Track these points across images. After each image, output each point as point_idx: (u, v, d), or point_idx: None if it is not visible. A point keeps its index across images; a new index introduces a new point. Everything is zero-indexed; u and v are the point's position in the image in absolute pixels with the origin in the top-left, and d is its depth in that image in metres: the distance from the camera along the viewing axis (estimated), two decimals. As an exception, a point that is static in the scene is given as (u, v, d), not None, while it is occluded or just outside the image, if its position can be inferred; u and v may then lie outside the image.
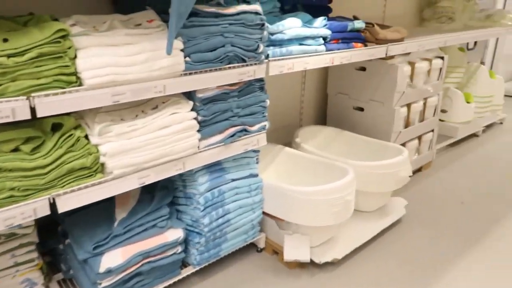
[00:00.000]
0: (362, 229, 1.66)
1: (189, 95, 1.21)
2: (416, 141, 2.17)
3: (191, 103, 1.18)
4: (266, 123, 1.38)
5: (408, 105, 2.04)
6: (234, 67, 1.22)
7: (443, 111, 2.71)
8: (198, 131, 1.20)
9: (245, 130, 1.32)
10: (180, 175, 1.30)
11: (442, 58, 2.19)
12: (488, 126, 3.09)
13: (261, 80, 1.34)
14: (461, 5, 2.74)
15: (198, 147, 1.21)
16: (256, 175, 1.45)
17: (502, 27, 2.79)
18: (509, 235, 1.73)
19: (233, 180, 1.37)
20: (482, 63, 4.08)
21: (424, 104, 2.15)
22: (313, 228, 1.46)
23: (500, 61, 4.35)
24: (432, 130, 2.28)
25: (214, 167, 1.32)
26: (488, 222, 1.84)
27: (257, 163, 1.46)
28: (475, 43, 3.70)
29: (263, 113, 1.37)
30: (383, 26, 1.85)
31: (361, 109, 2.08)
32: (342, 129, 2.04)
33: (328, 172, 1.64)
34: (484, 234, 1.75)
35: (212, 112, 1.23)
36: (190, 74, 1.13)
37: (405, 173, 1.66)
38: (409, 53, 2.03)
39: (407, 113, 2.04)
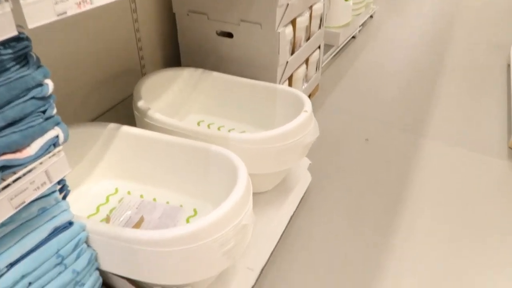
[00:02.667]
0: (263, 229, 1.12)
1: None
2: (304, 66, 1.63)
3: None
4: (59, 131, 0.64)
5: (293, 22, 1.43)
6: None
7: (320, 13, 2.19)
8: None
9: (4, 166, 0.57)
10: None
11: None
12: (363, 24, 2.73)
13: (16, 40, 0.56)
14: None
15: None
16: (68, 224, 0.74)
17: None
18: (432, 174, 1.42)
19: (13, 265, 0.65)
20: None
21: (310, 15, 1.56)
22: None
23: None
24: (319, 46, 1.76)
25: (-50, 266, 0.58)
26: (404, 161, 1.49)
27: (64, 198, 0.75)
28: None
29: (44, 111, 0.62)
30: None
31: (230, 35, 1.40)
32: (205, 70, 1.36)
33: (203, 169, 1.01)
34: (406, 180, 1.39)
35: None
36: None
37: (311, 136, 1.13)
38: None
39: (293, 33, 1.44)
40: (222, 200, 0.83)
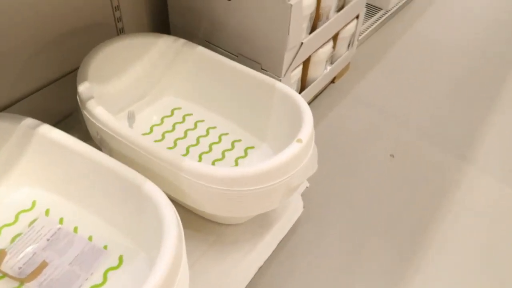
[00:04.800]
0: (220, 283, 0.84)
1: None
2: (329, 44, 1.23)
3: None
4: None
5: (319, -14, 1.02)
6: None
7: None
8: None
9: None
10: None
11: None
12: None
13: None
14: None
15: None
16: None
17: None
18: (469, 222, 1.07)
19: None
20: None
21: (349, -25, 1.13)
22: None
23: None
24: (357, 16, 1.33)
25: None
26: (435, 194, 1.13)
27: None
28: None
29: None
30: None
31: (227, -4, 1.02)
32: (188, 41, 1.01)
33: (133, 205, 0.72)
34: (432, 224, 1.05)
35: None
36: None
37: (303, 175, 0.79)
38: None
39: (317, 3, 1.04)
40: (154, 249, 0.58)
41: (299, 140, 0.75)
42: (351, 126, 1.32)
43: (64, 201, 0.82)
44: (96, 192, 0.77)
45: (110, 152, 0.86)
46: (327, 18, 1.13)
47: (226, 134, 1.00)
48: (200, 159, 0.94)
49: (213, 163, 0.93)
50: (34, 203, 0.82)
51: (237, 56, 1.08)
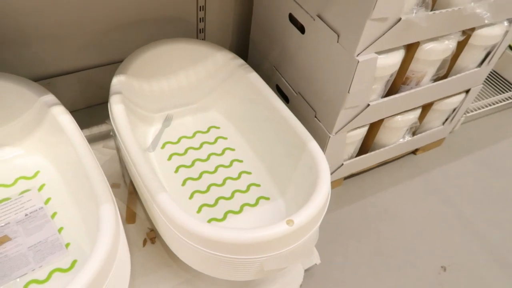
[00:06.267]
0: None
1: None
2: (415, 112, 1.03)
3: None
4: None
5: (412, 46, 0.84)
6: None
7: None
8: None
9: None
10: None
11: None
12: None
13: None
14: None
15: None
16: None
17: None
18: None
19: None
20: None
21: (463, 42, 0.92)
22: None
23: None
24: (468, 91, 1.09)
25: None
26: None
27: None
28: None
29: None
30: None
31: (302, 30, 0.90)
32: (245, 64, 0.93)
33: (91, 216, 0.68)
34: None
35: None
36: None
37: (284, 261, 0.66)
38: None
39: (402, 64, 0.86)
40: None
41: (290, 222, 0.62)
42: (407, 213, 1.10)
43: (60, 183, 0.82)
44: (82, 190, 0.75)
45: (117, 149, 0.84)
46: (417, 84, 0.94)
47: (249, 173, 0.90)
48: (207, 190, 0.86)
49: (216, 200, 0.84)
50: (36, 174, 0.83)
51: (296, 95, 0.97)
